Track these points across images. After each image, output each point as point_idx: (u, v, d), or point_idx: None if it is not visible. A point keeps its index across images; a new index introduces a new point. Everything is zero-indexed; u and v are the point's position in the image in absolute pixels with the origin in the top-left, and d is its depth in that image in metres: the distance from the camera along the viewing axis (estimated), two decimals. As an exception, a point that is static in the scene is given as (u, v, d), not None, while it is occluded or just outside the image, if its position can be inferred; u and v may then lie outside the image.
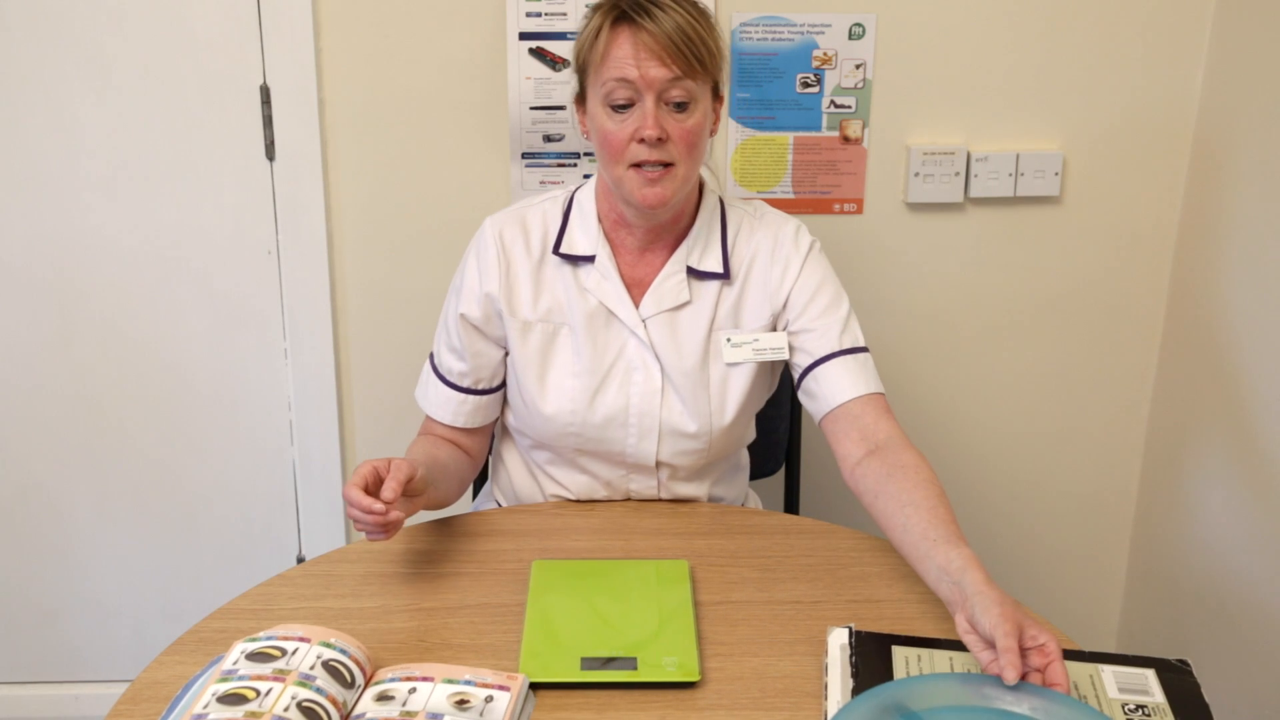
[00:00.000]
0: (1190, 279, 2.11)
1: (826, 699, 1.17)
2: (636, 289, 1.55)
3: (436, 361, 1.62)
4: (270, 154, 2.02)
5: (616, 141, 1.43)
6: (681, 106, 1.42)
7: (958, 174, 2.06)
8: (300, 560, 2.25)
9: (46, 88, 1.97)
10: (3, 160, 2.01)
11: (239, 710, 1.04)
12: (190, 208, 2.05)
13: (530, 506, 1.63)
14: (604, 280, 1.54)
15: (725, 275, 1.55)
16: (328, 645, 1.15)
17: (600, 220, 1.55)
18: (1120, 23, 2.02)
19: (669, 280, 1.54)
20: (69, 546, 2.23)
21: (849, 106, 2.04)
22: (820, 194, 2.09)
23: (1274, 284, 1.88)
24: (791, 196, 2.08)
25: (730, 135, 2.04)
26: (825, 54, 2.01)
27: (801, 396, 1.58)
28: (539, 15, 1.96)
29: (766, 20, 1.98)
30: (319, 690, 1.08)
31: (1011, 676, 1.09)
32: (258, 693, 1.06)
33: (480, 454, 1.67)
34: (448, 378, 1.60)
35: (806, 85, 2.02)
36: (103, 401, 2.14)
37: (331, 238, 2.07)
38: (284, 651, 1.13)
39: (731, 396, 1.56)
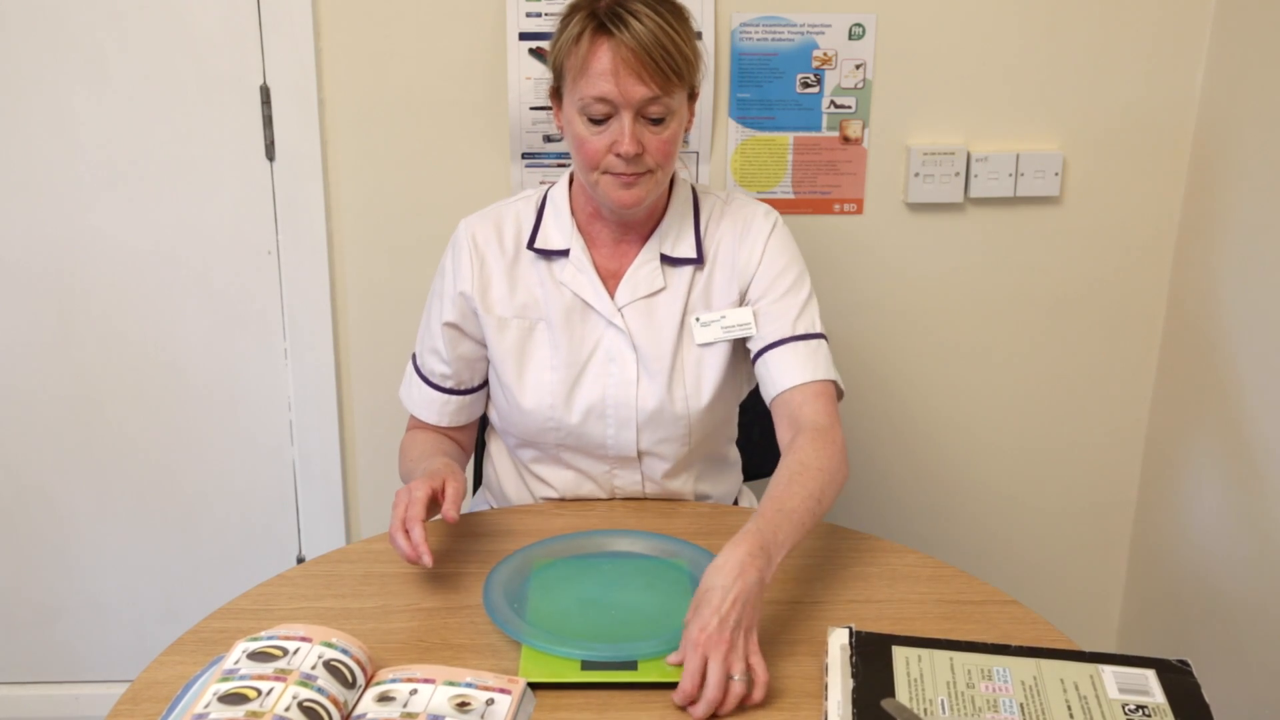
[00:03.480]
0: (1190, 279, 2.11)
1: (826, 699, 1.17)
2: (612, 280, 1.56)
3: (419, 362, 1.64)
4: (270, 154, 2.02)
5: (592, 151, 1.44)
6: (658, 120, 1.43)
7: (958, 174, 2.06)
8: (300, 560, 2.25)
9: (46, 88, 1.97)
10: (3, 160, 2.01)
11: (240, 710, 1.04)
12: (190, 208, 2.04)
13: (528, 507, 1.63)
14: (579, 273, 1.55)
15: (699, 260, 1.56)
16: (329, 645, 1.15)
17: (574, 214, 1.56)
18: (1120, 23, 2.02)
19: (643, 268, 1.55)
20: (69, 546, 2.23)
21: (849, 106, 2.04)
22: (820, 194, 2.09)
23: (1274, 284, 1.88)
24: (791, 196, 2.08)
25: (730, 135, 2.04)
26: (825, 54, 2.01)
27: (757, 376, 1.59)
28: (539, 15, 1.96)
29: (766, 20, 1.98)
30: (320, 690, 1.08)
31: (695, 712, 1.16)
32: (259, 692, 1.06)
33: (469, 446, 1.70)
34: (430, 379, 1.62)
35: (806, 85, 2.02)
36: (103, 401, 2.14)
37: (331, 238, 2.07)
38: (285, 651, 1.13)
39: (707, 378, 1.56)
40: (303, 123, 2.00)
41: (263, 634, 1.16)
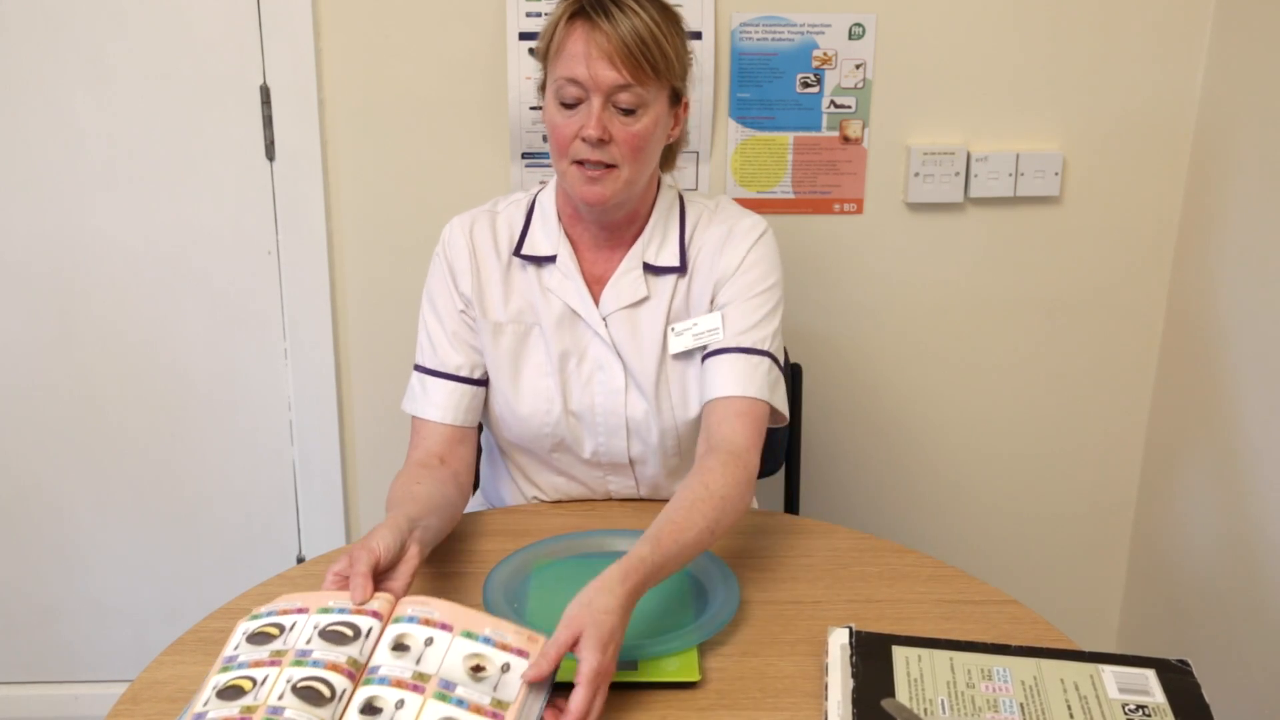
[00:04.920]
0: (1190, 279, 2.11)
1: (826, 699, 1.17)
2: (597, 286, 1.54)
3: (434, 364, 1.58)
4: (270, 154, 2.02)
5: (562, 136, 1.43)
6: (629, 111, 1.41)
7: (958, 174, 2.06)
8: (300, 560, 2.25)
9: (46, 88, 1.97)
10: (3, 160, 2.01)
11: (235, 706, 1.02)
12: (190, 208, 2.05)
13: (527, 507, 1.63)
14: (566, 279, 1.53)
15: (681, 269, 1.54)
16: (325, 610, 1.12)
17: (560, 218, 1.55)
18: (1120, 23, 2.02)
19: (626, 276, 1.53)
20: (69, 546, 2.23)
21: (849, 106, 2.04)
22: (820, 194, 2.09)
23: (1274, 284, 1.88)
24: (791, 196, 2.08)
25: (730, 135, 2.05)
26: (825, 54, 2.01)
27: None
28: (539, 15, 1.96)
29: (766, 20, 1.99)
30: (315, 664, 1.06)
31: (529, 675, 1.08)
32: (254, 683, 1.05)
33: (469, 472, 1.58)
34: (458, 374, 1.56)
35: (806, 85, 2.02)
36: (103, 401, 2.14)
37: (331, 238, 2.07)
38: (281, 629, 1.11)
39: (692, 390, 1.54)
40: (303, 123, 2.00)
41: (263, 610, 1.15)
